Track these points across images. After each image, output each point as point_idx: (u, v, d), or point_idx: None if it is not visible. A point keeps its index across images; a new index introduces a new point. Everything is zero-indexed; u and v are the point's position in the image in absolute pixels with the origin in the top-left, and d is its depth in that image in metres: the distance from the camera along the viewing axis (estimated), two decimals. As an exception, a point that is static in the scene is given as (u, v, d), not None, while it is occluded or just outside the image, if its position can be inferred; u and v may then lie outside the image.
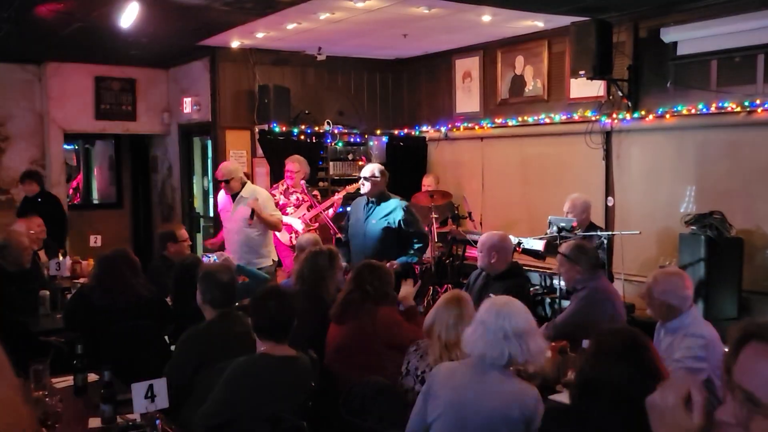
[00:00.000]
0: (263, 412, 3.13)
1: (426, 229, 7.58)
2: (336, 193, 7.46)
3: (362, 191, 6.00)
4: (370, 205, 6.02)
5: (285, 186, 7.29)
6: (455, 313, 3.38)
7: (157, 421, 2.84)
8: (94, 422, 3.18)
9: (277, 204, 7.22)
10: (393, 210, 5.99)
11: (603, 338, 2.34)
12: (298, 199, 7.24)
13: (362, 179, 5.98)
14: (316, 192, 7.71)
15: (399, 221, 5.95)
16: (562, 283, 5.54)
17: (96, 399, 3.29)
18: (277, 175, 8.13)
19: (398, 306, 4.28)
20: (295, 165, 7.27)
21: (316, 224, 7.19)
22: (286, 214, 7.16)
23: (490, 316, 2.84)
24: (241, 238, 6.19)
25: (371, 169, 6.07)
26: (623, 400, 2.15)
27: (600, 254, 5.24)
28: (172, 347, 4.07)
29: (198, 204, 9.95)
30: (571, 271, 4.38)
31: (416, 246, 6.04)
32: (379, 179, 5.99)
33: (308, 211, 7.19)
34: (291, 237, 7.12)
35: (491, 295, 4.78)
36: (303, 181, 7.26)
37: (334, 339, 4.09)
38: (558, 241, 5.50)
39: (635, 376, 2.19)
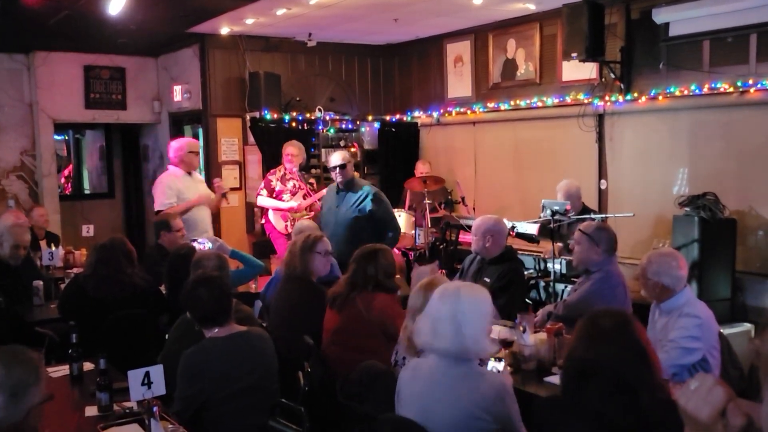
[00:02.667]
0: (234, 389, 3.20)
1: (417, 213, 7.65)
2: (324, 189, 7.47)
3: (336, 180, 6.04)
4: (341, 193, 6.07)
5: (282, 172, 7.28)
6: (422, 300, 3.22)
7: (155, 408, 2.85)
8: (91, 411, 3.19)
9: (272, 191, 7.22)
10: (364, 198, 6.04)
11: (593, 320, 2.34)
12: (294, 186, 7.23)
13: (336, 168, 6.02)
14: (312, 180, 7.70)
15: (369, 210, 6.01)
16: (557, 266, 5.57)
17: (92, 387, 3.30)
18: (269, 163, 8.11)
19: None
20: (295, 149, 7.26)
21: (312, 213, 7.19)
22: (281, 200, 7.16)
23: (442, 306, 2.72)
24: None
25: (341, 157, 6.12)
26: (615, 382, 2.16)
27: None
28: (167, 336, 4.07)
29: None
30: (589, 252, 4.33)
31: (389, 235, 6.09)
32: (349, 166, 6.10)
33: (303, 199, 7.18)
34: (287, 225, 7.12)
35: (486, 279, 4.83)
36: (296, 169, 7.25)
37: (332, 323, 4.11)
38: (552, 225, 5.51)
39: (626, 358, 2.19)
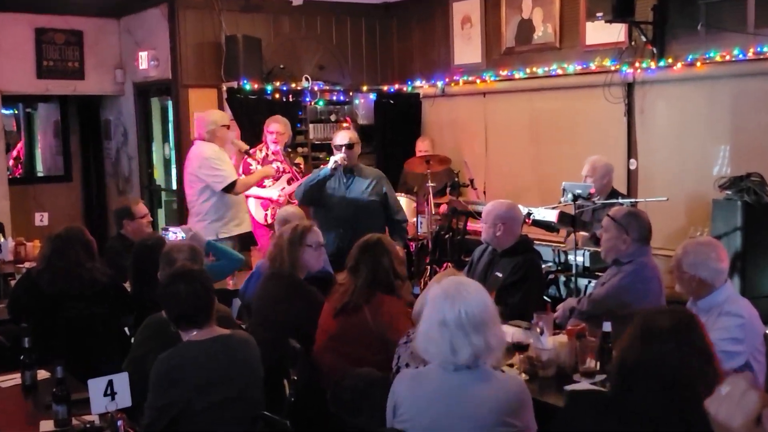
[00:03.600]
0: (213, 399, 3.21)
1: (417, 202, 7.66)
2: (322, 165, 7.45)
3: (342, 162, 6.04)
4: (348, 175, 6.10)
5: (264, 152, 7.25)
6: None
7: (119, 422, 2.85)
8: (46, 425, 3.19)
9: (252, 174, 7.20)
10: (375, 182, 6.12)
11: (650, 318, 2.36)
12: (278, 169, 7.20)
13: (341, 147, 6.04)
14: (299, 160, 7.68)
15: (385, 195, 6.12)
16: (579, 258, 5.57)
17: (48, 399, 3.30)
18: (249, 140, 8.10)
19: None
20: (280, 126, 7.24)
21: (296, 201, 7.17)
22: (263, 187, 7.14)
23: (442, 308, 2.74)
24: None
25: (349, 135, 6.20)
26: (675, 386, 2.20)
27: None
28: (133, 340, 4.08)
29: (158, 175, 9.90)
30: (617, 240, 4.33)
31: (401, 224, 6.26)
32: (357, 146, 6.16)
33: (288, 184, 7.13)
34: (266, 215, 7.10)
35: (498, 273, 4.84)
36: (281, 149, 7.24)
37: (329, 327, 4.12)
38: (576, 211, 5.51)
39: (687, 359, 2.22)
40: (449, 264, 6.76)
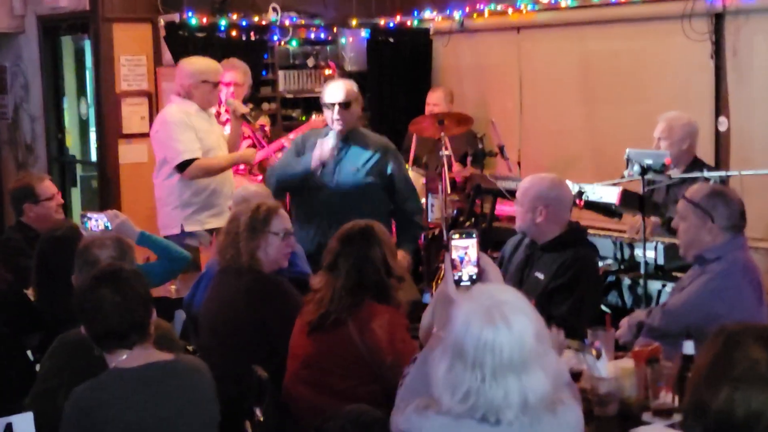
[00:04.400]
0: None
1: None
2: (291, 132, 7.43)
3: (332, 124, 5.98)
4: (343, 145, 6.03)
5: (215, 110, 7.26)
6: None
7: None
8: None
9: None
10: (379, 156, 6.01)
11: (734, 346, 2.32)
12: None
13: (330, 106, 5.95)
14: (264, 121, 7.67)
15: (391, 175, 6.02)
16: (650, 253, 5.57)
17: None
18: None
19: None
20: (239, 74, 7.27)
21: (260, 176, 7.16)
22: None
23: (479, 337, 2.65)
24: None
25: (344, 89, 6.00)
26: None
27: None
28: (38, 366, 4.07)
29: (72, 142, 9.92)
30: (699, 230, 4.32)
31: (414, 218, 6.21)
32: (356, 105, 6.03)
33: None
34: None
35: (539, 275, 4.84)
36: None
37: (301, 349, 4.12)
38: (645, 189, 5.50)
39: None
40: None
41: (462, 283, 3.00)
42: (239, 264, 4.48)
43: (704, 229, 4.33)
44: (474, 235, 3.05)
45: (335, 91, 5.96)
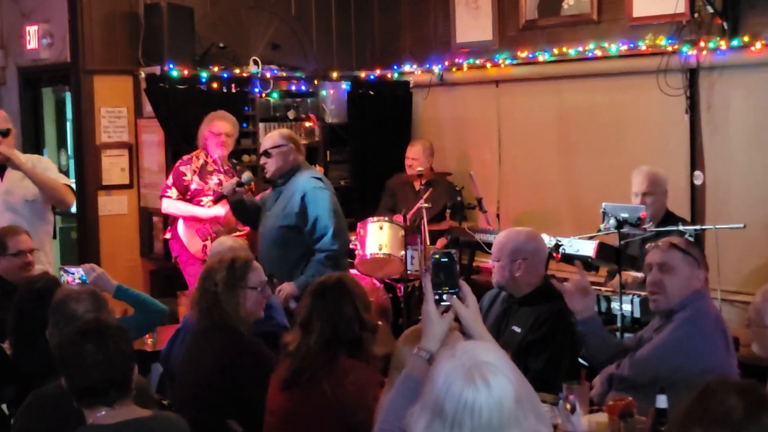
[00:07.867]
0: None
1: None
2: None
3: (245, 188, 6.36)
4: (275, 191, 6.20)
5: (202, 160, 7.27)
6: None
7: None
8: None
9: (186, 189, 7.19)
10: (300, 196, 6.11)
11: (711, 395, 2.32)
12: (220, 182, 7.21)
13: (262, 156, 6.22)
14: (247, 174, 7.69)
15: (296, 213, 6.10)
16: (626, 306, 5.58)
17: None
18: (176, 145, 8.09)
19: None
20: (229, 125, 7.35)
21: (247, 228, 7.15)
22: (200, 205, 7.15)
23: (459, 397, 2.62)
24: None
25: (271, 137, 6.34)
26: None
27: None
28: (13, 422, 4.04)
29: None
30: (689, 280, 4.30)
31: (323, 252, 6.12)
32: (284, 148, 6.18)
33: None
34: (205, 245, 7.07)
35: (516, 329, 4.84)
36: (226, 154, 7.31)
37: (278, 405, 4.10)
38: (620, 242, 5.53)
39: None
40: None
41: (442, 303, 3.00)
42: (214, 320, 4.47)
43: (695, 278, 4.32)
44: (453, 255, 3.06)
45: (266, 140, 6.40)
